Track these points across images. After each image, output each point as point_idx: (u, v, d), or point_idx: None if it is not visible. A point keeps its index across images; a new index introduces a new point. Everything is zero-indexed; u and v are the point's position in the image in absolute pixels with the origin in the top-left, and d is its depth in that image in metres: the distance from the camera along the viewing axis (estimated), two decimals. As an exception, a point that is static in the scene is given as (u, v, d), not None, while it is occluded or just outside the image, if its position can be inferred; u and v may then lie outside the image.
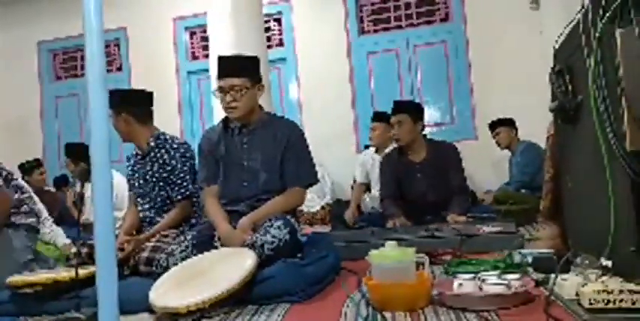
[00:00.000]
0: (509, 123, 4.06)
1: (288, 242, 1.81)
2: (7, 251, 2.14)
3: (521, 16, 4.78)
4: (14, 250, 2.17)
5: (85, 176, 3.92)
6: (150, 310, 1.59)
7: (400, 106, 2.99)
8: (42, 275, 1.82)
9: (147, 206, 2.33)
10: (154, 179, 2.29)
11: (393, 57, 5.29)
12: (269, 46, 4.69)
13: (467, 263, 1.82)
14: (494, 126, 4.11)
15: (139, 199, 2.36)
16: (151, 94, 2.38)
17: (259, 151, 2.07)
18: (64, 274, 1.81)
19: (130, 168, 2.41)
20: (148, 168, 2.31)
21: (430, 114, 5.09)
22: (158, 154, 2.28)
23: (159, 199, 2.30)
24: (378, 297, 1.47)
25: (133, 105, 2.28)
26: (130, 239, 2.06)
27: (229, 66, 2.04)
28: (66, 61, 6.25)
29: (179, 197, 2.24)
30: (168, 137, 2.33)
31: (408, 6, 5.31)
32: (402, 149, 3.03)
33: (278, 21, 5.58)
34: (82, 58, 5.95)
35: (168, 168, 2.26)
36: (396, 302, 1.42)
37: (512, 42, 4.82)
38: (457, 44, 5.09)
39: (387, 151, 3.46)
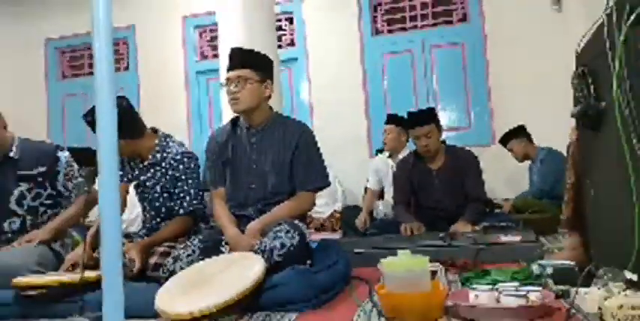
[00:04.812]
0: (519, 134, 4.01)
1: (298, 248, 1.82)
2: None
3: (543, 17, 4.76)
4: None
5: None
6: (156, 315, 1.60)
7: (426, 117, 2.97)
8: (47, 278, 1.85)
9: (151, 213, 2.34)
10: (159, 189, 2.29)
11: (408, 58, 5.29)
12: (280, 46, 4.72)
13: (484, 274, 1.81)
14: (504, 142, 4.08)
15: (145, 204, 2.37)
16: (123, 110, 2.09)
17: (268, 153, 2.08)
18: (68, 277, 1.83)
19: (128, 172, 2.36)
20: (150, 175, 2.29)
21: (446, 118, 5.08)
22: (163, 164, 2.26)
23: (163, 209, 2.30)
24: (390, 307, 1.47)
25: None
26: (135, 246, 2.06)
27: (239, 58, 2.06)
28: (73, 59, 6.35)
29: (181, 211, 2.23)
30: (172, 146, 2.28)
31: (424, 5, 5.31)
32: (420, 155, 3.03)
33: (290, 20, 5.62)
34: (90, 56, 6.08)
35: (173, 179, 2.25)
36: (408, 312, 1.42)
37: (532, 44, 4.79)
38: (475, 45, 5.07)
39: (401, 156, 3.46)
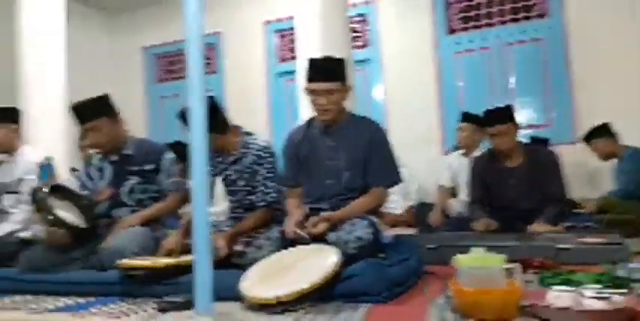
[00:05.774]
0: (604, 132, 3.70)
1: (372, 242, 1.82)
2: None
3: (630, 10, 4.35)
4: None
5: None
6: (239, 299, 1.67)
7: (503, 114, 2.82)
8: (147, 261, 1.99)
9: (236, 204, 2.44)
10: (242, 182, 2.36)
11: (483, 56, 5.07)
12: (354, 47, 4.71)
13: (564, 275, 1.71)
14: (588, 139, 3.79)
15: (230, 196, 2.47)
16: (212, 107, 2.14)
17: (343, 150, 2.10)
18: (166, 261, 1.96)
19: (216, 166, 2.42)
20: (235, 169, 2.36)
21: (524, 115, 4.81)
22: (245, 159, 2.33)
23: (246, 201, 2.37)
24: (465, 303, 1.43)
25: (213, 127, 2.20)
26: (221, 236, 2.16)
27: (321, 69, 2.08)
28: (168, 65, 6.76)
29: (262, 204, 2.29)
30: (254, 142, 2.34)
31: (501, 2, 5.06)
32: (495, 153, 2.90)
33: (363, 22, 5.59)
34: (183, 61, 6.44)
35: (254, 174, 2.30)
36: (483, 310, 1.37)
37: (618, 39, 4.40)
38: (555, 41, 4.75)
39: (476, 153, 3.33)
